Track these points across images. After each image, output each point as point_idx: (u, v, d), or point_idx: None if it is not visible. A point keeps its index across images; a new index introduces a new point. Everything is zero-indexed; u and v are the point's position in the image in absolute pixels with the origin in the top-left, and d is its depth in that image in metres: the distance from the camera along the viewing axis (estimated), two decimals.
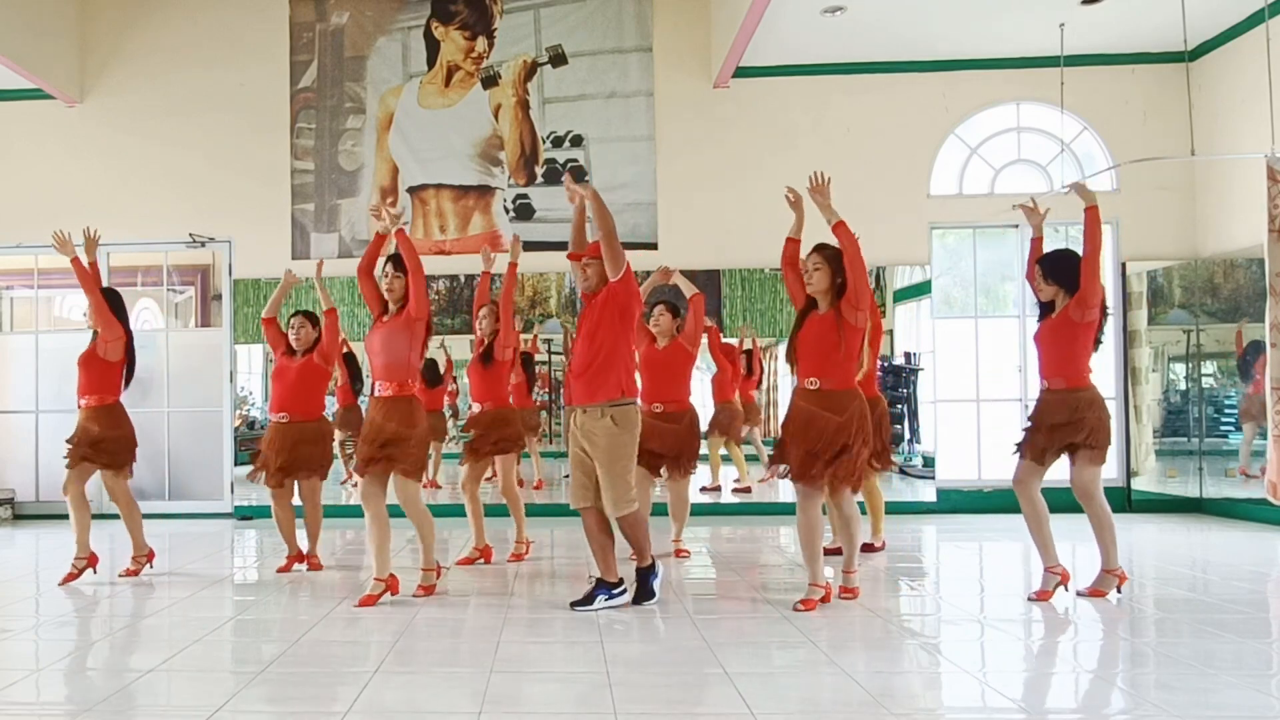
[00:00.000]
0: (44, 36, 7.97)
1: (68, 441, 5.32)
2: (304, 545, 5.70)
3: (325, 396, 5.71)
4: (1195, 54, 7.78)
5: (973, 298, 8.28)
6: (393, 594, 4.66)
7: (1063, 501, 4.88)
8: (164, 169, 8.41)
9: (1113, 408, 7.96)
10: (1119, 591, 4.55)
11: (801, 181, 4.54)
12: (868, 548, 5.68)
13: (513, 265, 5.63)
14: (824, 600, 4.41)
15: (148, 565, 5.53)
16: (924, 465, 8.24)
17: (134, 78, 8.51)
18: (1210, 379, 7.79)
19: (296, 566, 5.62)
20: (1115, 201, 8.09)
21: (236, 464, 8.21)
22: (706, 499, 8.06)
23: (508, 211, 8.32)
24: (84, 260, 5.27)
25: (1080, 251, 4.45)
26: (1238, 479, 7.41)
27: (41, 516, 8.00)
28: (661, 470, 5.61)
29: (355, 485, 6.10)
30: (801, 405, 4.34)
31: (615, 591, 4.49)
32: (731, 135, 8.28)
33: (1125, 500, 7.97)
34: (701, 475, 7.48)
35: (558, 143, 8.31)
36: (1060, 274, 4.51)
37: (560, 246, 8.20)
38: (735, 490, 8.17)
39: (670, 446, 5.47)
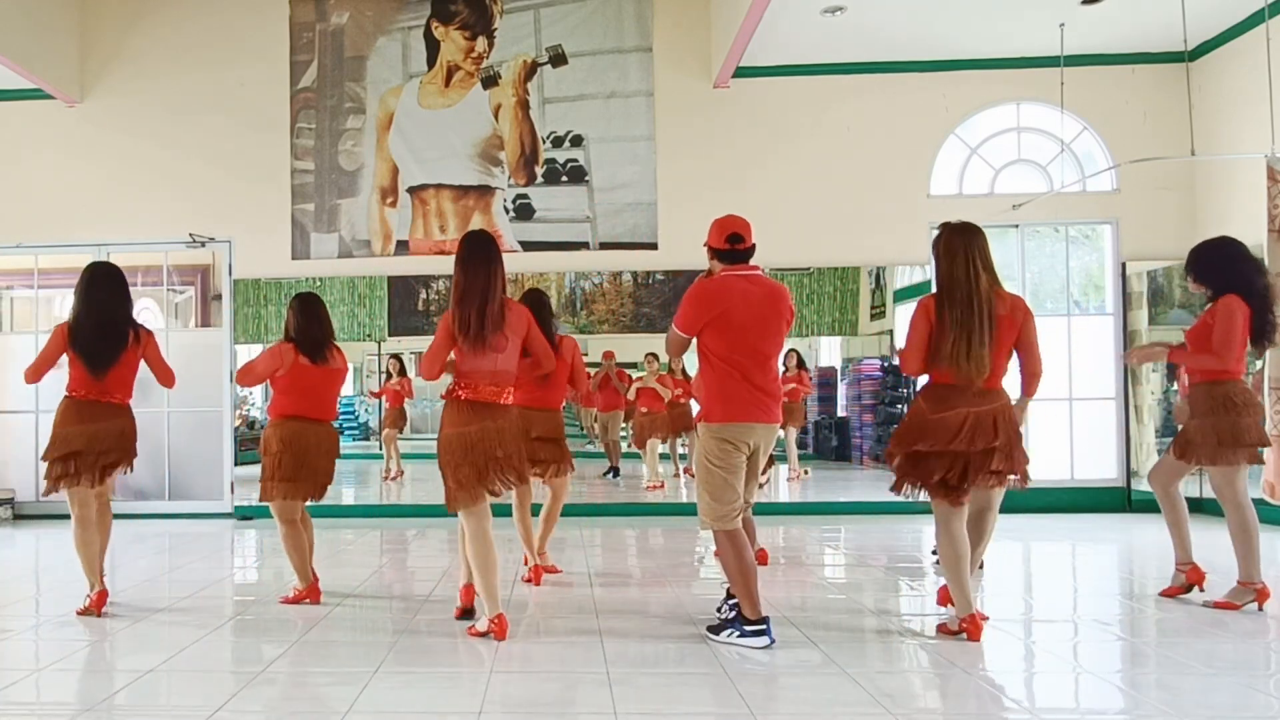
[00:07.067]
0: (44, 36, 7.97)
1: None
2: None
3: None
4: (1195, 54, 7.77)
5: None
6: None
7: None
8: (164, 169, 8.40)
9: (1113, 408, 8.12)
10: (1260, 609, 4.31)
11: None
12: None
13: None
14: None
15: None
16: None
17: (134, 78, 8.51)
18: None
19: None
20: (1115, 201, 8.11)
21: (236, 464, 8.22)
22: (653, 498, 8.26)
23: (508, 211, 8.32)
24: None
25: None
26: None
27: (41, 516, 8.00)
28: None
29: None
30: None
31: (749, 629, 3.81)
32: (731, 135, 8.28)
33: (1125, 500, 7.99)
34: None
35: (558, 143, 8.31)
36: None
37: (560, 246, 8.25)
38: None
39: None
